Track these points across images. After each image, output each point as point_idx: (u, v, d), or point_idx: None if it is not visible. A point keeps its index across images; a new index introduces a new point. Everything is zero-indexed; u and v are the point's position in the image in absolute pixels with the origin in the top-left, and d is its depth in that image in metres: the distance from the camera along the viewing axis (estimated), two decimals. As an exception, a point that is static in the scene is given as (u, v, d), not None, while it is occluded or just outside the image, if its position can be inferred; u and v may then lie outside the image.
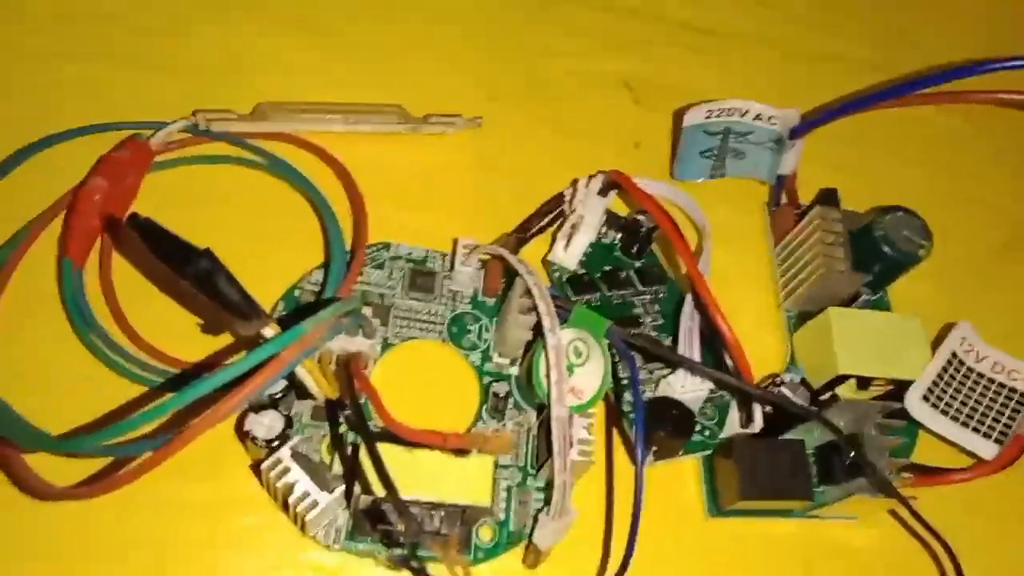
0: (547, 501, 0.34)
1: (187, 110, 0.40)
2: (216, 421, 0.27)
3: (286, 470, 0.31)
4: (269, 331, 0.29)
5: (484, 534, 0.34)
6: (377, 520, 0.31)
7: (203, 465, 0.33)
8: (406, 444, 0.30)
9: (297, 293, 0.37)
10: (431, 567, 0.33)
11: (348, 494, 0.32)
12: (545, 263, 0.41)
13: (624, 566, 0.31)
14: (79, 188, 0.37)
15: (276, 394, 0.32)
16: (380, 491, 0.29)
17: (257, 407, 0.32)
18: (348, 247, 0.39)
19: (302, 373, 0.31)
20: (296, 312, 0.37)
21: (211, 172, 0.41)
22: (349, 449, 0.33)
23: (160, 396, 0.34)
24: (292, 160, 0.41)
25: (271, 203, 0.40)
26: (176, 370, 0.35)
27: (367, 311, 0.33)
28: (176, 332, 0.36)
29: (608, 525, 0.36)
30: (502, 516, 0.35)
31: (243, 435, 0.31)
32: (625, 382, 0.37)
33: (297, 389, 0.33)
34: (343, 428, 0.34)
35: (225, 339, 0.36)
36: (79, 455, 0.32)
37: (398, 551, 0.33)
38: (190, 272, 0.28)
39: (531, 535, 0.34)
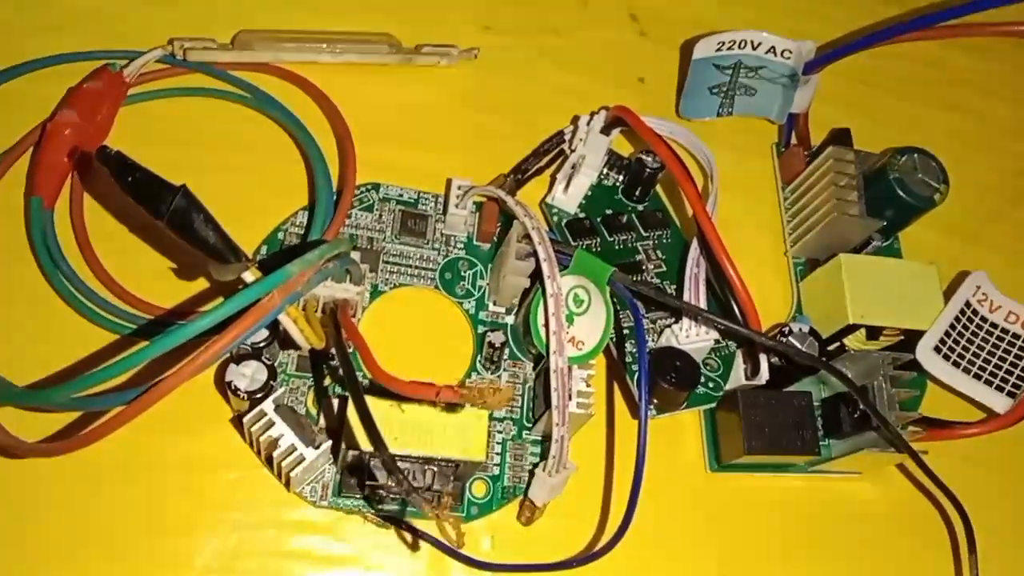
0: (544, 455, 0.33)
1: (163, 38, 0.38)
2: (194, 372, 0.25)
3: (270, 424, 0.29)
4: (250, 276, 0.27)
5: (478, 489, 0.33)
6: (365, 476, 0.30)
7: (181, 419, 0.32)
8: (396, 397, 0.29)
9: (281, 236, 0.36)
10: (422, 525, 0.32)
11: (335, 449, 0.30)
12: (543, 206, 0.39)
13: (626, 522, 0.30)
14: (48, 122, 0.35)
15: (259, 343, 0.31)
16: (368, 447, 0.28)
17: (239, 357, 0.30)
18: (335, 187, 0.37)
19: (286, 321, 0.29)
20: (279, 256, 0.35)
21: (189, 105, 0.38)
22: (336, 402, 0.32)
23: (134, 344, 0.33)
24: (275, 93, 0.39)
25: (253, 139, 0.38)
26: (151, 317, 0.33)
27: (355, 255, 0.31)
28: (151, 276, 0.34)
29: (608, 480, 0.35)
30: (496, 471, 0.33)
31: (224, 387, 0.30)
32: (627, 332, 0.35)
33: (281, 338, 0.31)
34: (330, 380, 0.33)
35: (203, 284, 0.34)
36: (48, 408, 0.30)
37: (387, 508, 0.32)
38: (164, 210, 0.27)
39: (527, 490, 0.33)
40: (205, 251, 0.27)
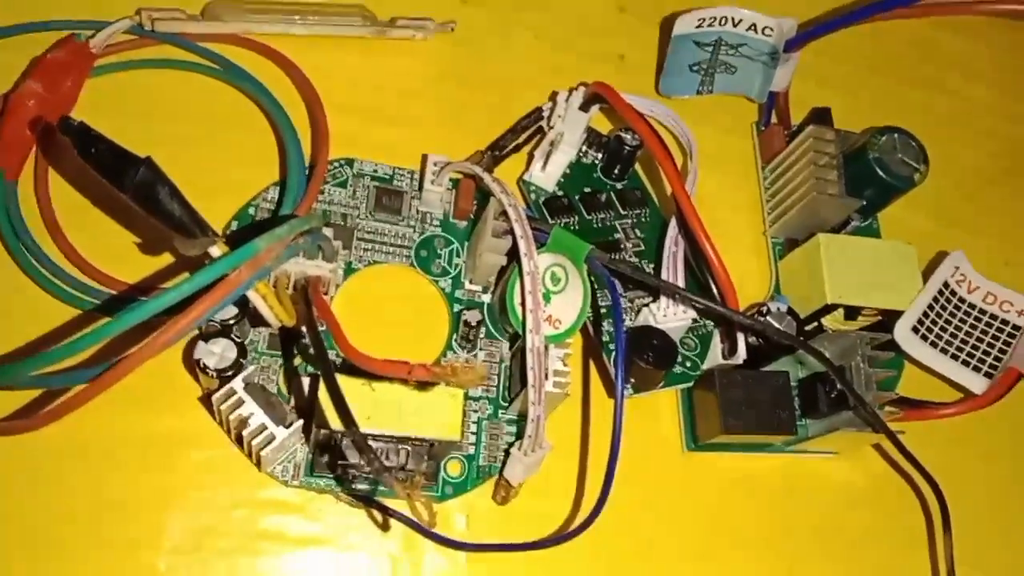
0: (519, 435, 0.33)
1: (131, 8, 0.37)
2: (158, 350, 0.25)
3: (240, 402, 0.29)
4: (216, 250, 0.27)
5: (452, 469, 0.33)
6: (337, 456, 0.29)
7: (147, 397, 0.31)
8: (369, 376, 0.28)
9: (252, 211, 0.35)
10: (394, 504, 0.31)
11: (306, 428, 0.30)
12: (521, 183, 0.39)
13: (602, 501, 0.30)
14: (11, 93, 0.34)
15: (228, 320, 0.30)
16: (340, 426, 0.27)
17: (207, 335, 0.29)
18: (307, 162, 0.36)
19: (255, 298, 0.28)
20: (249, 231, 0.34)
21: (157, 77, 0.38)
22: (307, 381, 0.31)
23: (97, 320, 0.32)
24: (246, 65, 0.38)
25: (223, 113, 0.37)
26: (115, 292, 0.32)
27: (328, 231, 0.31)
28: (116, 250, 0.33)
29: (584, 460, 0.35)
30: (472, 450, 0.33)
31: (193, 364, 0.29)
32: (604, 310, 0.35)
33: (251, 315, 0.30)
34: (300, 359, 0.32)
35: (169, 259, 0.34)
36: (8, 386, 0.29)
37: (359, 488, 0.31)
38: (128, 183, 0.26)
39: (502, 470, 0.32)
40: (170, 225, 0.27)
